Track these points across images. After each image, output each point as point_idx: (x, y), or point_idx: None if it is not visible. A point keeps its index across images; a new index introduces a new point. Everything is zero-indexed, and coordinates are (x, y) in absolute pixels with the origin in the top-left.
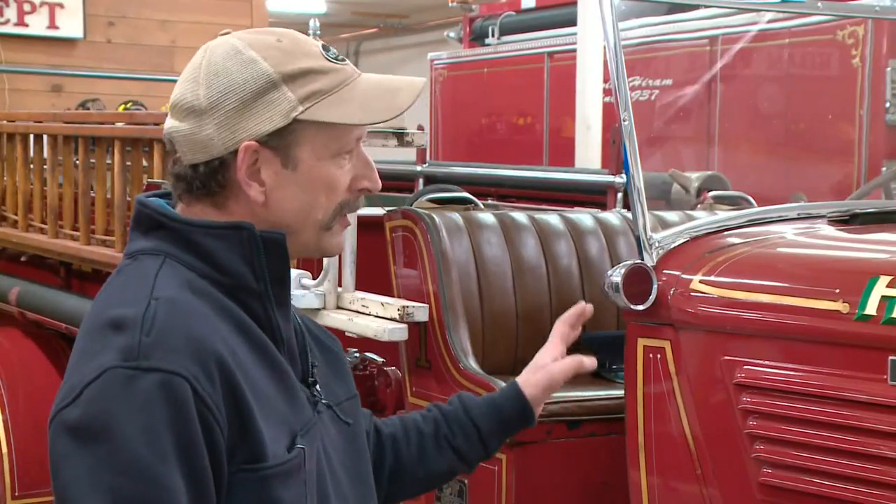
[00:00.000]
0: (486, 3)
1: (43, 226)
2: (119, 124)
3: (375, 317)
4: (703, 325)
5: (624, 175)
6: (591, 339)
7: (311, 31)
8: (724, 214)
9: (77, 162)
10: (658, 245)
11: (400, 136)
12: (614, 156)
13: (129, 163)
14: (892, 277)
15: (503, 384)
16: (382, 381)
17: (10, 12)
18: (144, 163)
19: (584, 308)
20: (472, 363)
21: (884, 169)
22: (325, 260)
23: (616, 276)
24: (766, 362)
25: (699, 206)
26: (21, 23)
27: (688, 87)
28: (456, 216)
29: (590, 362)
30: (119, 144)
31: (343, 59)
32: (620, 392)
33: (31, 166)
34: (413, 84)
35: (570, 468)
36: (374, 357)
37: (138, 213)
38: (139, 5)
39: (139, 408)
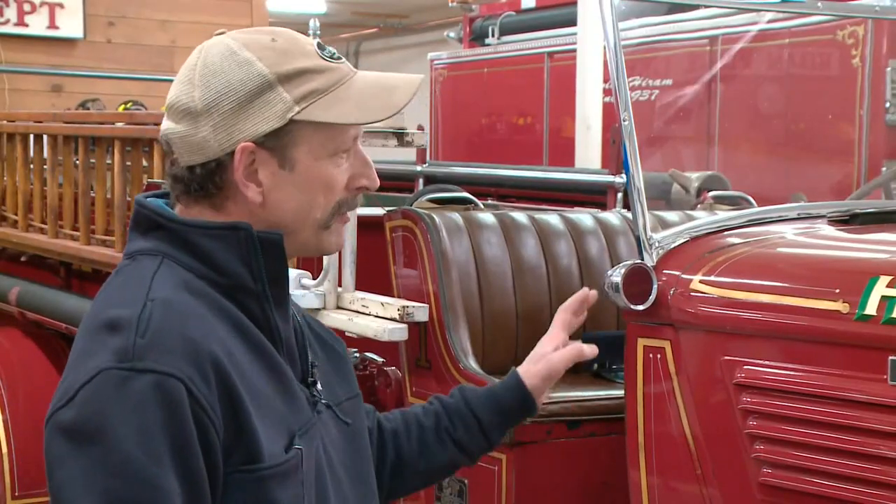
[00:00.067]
0: (486, 3)
1: (43, 226)
2: (119, 124)
3: (375, 317)
4: (703, 325)
5: (624, 175)
6: (591, 338)
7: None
8: (724, 214)
9: (77, 162)
10: (658, 245)
11: (400, 136)
12: (614, 156)
13: (129, 163)
14: (892, 277)
15: None
16: (382, 381)
17: (10, 12)
18: (144, 163)
19: (587, 294)
20: (472, 363)
21: (884, 169)
22: (325, 260)
23: (616, 276)
24: (766, 362)
25: (699, 206)
26: (21, 23)
27: (688, 87)
28: (456, 216)
29: (590, 350)
30: (119, 144)
31: (339, 58)
32: (620, 392)
33: (31, 166)
34: (410, 81)
35: (570, 468)
36: (374, 357)
37: (137, 213)
38: (139, 5)
39: (133, 409)
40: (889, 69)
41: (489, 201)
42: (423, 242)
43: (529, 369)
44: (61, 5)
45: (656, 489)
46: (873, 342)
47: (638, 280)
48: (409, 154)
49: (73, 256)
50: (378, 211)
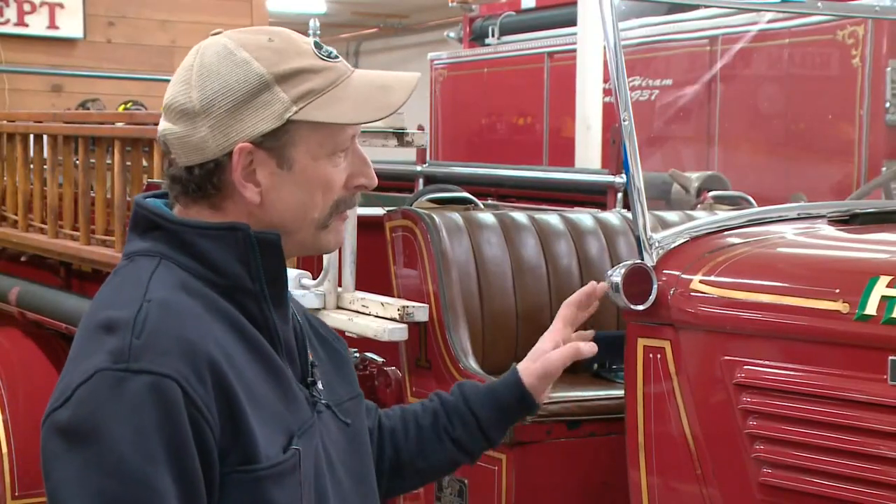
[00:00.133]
0: (486, 3)
1: (43, 226)
2: (119, 124)
3: (375, 317)
4: (703, 325)
5: (624, 175)
6: (591, 338)
7: (310, 31)
8: (724, 214)
9: (77, 162)
10: (658, 245)
11: (400, 136)
12: (614, 156)
13: (129, 163)
14: (892, 277)
15: None
16: (382, 381)
17: (10, 12)
18: (144, 163)
19: (594, 288)
20: (472, 363)
21: (884, 169)
22: (325, 260)
23: (616, 276)
24: (766, 362)
25: (699, 206)
26: (21, 23)
27: (688, 87)
28: (456, 216)
29: (587, 348)
30: (119, 144)
31: (336, 57)
32: (620, 392)
33: (31, 166)
34: (407, 80)
35: (570, 468)
36: (374, 357)
37: (135, 213)
38: (139, 5)
39: (128, 410)
40: (889, 69)
41: (489, 201)
42: (423, 242)
43: (528, 367)
44: (61, 5)
45: (656, 489)
46: (873, 342)
47: (638, 280)
48: (409, 154)
49: (72, 256)
50: (378, 211)
